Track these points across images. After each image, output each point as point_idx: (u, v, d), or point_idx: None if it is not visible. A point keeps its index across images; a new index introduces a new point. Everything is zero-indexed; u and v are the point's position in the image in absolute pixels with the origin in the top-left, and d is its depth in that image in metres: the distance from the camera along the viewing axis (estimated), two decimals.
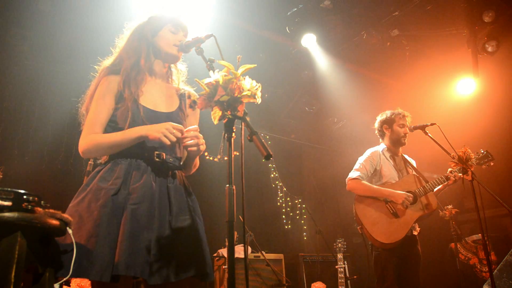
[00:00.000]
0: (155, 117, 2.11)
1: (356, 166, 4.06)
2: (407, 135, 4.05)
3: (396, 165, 4.07)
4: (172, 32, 2.25)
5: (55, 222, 1.46)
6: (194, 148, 2.02)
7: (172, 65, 2.39)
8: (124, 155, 2.03)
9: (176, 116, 2.20)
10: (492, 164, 3.88)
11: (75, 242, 1.66)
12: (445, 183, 3.87)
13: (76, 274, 1.72)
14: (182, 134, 1.98)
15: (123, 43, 2.29)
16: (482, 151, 3.91)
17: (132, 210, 1.87)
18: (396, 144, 4.10)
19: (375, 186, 3.92)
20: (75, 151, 5.31)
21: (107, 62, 2.26)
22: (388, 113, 4.18)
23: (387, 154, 4.08)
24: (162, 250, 1.86)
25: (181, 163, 2.24)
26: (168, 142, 1.93)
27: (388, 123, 4.15)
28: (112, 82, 2.14)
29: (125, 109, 2.06)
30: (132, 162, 2.02)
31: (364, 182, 3.92)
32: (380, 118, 4.23)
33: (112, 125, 2.10)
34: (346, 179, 4.03)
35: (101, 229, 1.81)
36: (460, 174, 3.76)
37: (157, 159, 2.06)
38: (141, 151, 2.04)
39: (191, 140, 2.00)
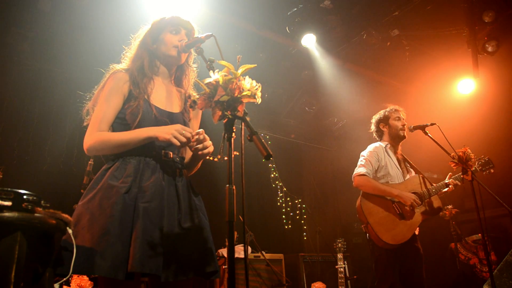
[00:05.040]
0: (165, 116, 2.14)
1: (361, 161, 4.01)
2: (405, 126, 4.06)
3: (398, 164, 4.07)
4: (172, 33, 2.25)
5: (55, 222, 1.46)
6: (202, 152, 2.04)
7: (182, 69, 2.40)
8: (132, 153, 2.04)
9: (181, 117, 2.23)
10: (492, 171, 3.91)
11: (77, 241, 1.66)
12: (444, 191, 3.87)
13: (88, 272, 1.75)
14: (192, 137, 1.99)
15: (131, 53, 2.31)
16: (484, 158, 3.93)
17: (144, 208, 1.89)
18: (396, 138, 4.10)
19: (383, 185, 3.88)
20: (77, 151, 5.31)
21: (117, 66, 2.27)
22: (381, 112, 4.24)
23: (390, 152, 4.08)
24: (173, 248, 1.89)
25: (184, 163, 2.26)
26: (178, 144, 1.94)
27: (383, 120, 4.18)
28: (120, 79, 2.15)
29: (136, 107, 2.08)
30: (141, 160, 2.04)
31: (372, 179, 3.89)
32: (375, 118, 4.26)
33: (119, 122, 2.11)
34: (353, 175, 3.99)
35: (114, 226, 1.82)
36: (458, 182, 3.78)
37: (164, 158, 2.08)
38: (149, 150, 2.06)
39: (199, 143, 2.02)
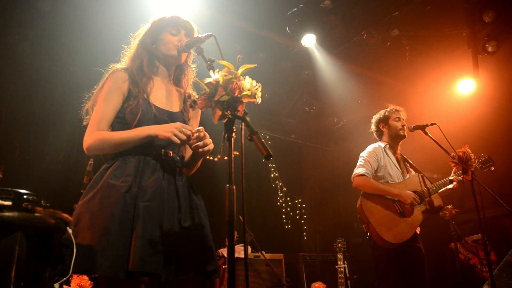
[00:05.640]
0: (164, 115, 2.14)
1: (361, 162, 4.02)
2: (405, 126, 4.06)
3: (397, 164, 4.07)
4: (172, 33, 2.25)
5: (55, 221, 1.46)
6: (202, 149, 2.05)
7: (181, 69, 2.39)
8: (132, 152, 2.04)
9: (181, 116, 2.23)
10: (492, 169, 3.91)
11: (78, 241, 1.67)
12: (450, 187, 3.87)
13: (89, 271, 1.75)
14: (192, 134, 1.99)
15: (130, 52, 2.30)
16: (484, 156, 3.93)
17: (144, 207, 1.89)
18: (395, 138, 4.11)
19: (383, 185, 3.89)
20: (76, 151, 5.31)
21: (116, 66, 2.27)
22: (381, 112, 4.24)
23: (389, 152, 4.09)
24: (173, 247, 1.89)
25: (184, 162, 2.26)
26: (178, 141, 1.94)
27: (383, 121, 4.19)
28: (119, 79, 2.15)
29: (136, 106, 2.08)
30: (141, 159, 2.04)
31: (372, 179, 3.90)
32: (375, 119, 4.27)
33: (119, 121, 2.11)
34: (352, 176, 4.00)
35: (114, 225, 1.82)
36: (461, 178, 3.78)
37: (164, 157, 2.08)
38: (149, 149, 2.06)
39: (199, 140, 2.02)
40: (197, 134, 2.01)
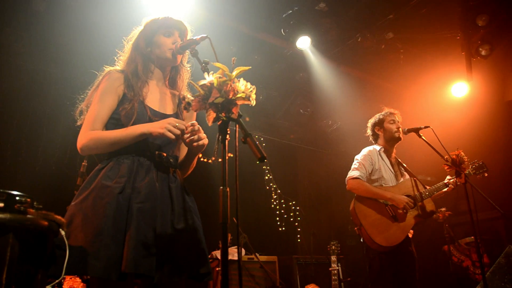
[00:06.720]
0: (159, 117, 2.12)
1: (355, 165, 4.03)
2: (400, 128, 4.08)
3: (391, 167, 4.08)
4: (165, 35, 2.23)
5: (47, 223, 1.45)
6: (197, 143, 2.02)
7: (176, 70, 2.38)
8: (126, 153, 2.03)
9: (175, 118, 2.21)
10: (486, 175, 3.93)
11: (70, 242, 1.65)
12: (444, 190, 3.90)
13: (81, 272, 1.74)
14: (186, 128, 1.97)
15: (124, 56, 2.29)
16: (478, 162, 3.96)
17: (138, 208, 1.88)
18: (391, 141, 4.12)
19: (376, 188, 3.90)
20: (70, 152, 5.28)
21: (111, 68, 2.25)
22: (376, 116, 4.27)
23: (384, 155, 4.10)
24: (167, 249, 1.89)
25: (178, 163, 2.25)
26: (173, 137, 1.93)
27: (378, 124, 4.21)
28: (115, 80, 2.14)
29: (131, 109, 2.07)
30: (135, 160, 2.03)
31: (365, 182, 3.91)
32: (370, 123, 4.29)
33: (114, 122, 2.09)
34: (346, 178, 4.01)
35: (107, 226, 1.81)
36: (456, 180, 3.80)
37: (158, 159, 2.07)
38: (143, 150, 2.05)
39: (193, 135, 2.00)
40: (191, 127, 1.99)
